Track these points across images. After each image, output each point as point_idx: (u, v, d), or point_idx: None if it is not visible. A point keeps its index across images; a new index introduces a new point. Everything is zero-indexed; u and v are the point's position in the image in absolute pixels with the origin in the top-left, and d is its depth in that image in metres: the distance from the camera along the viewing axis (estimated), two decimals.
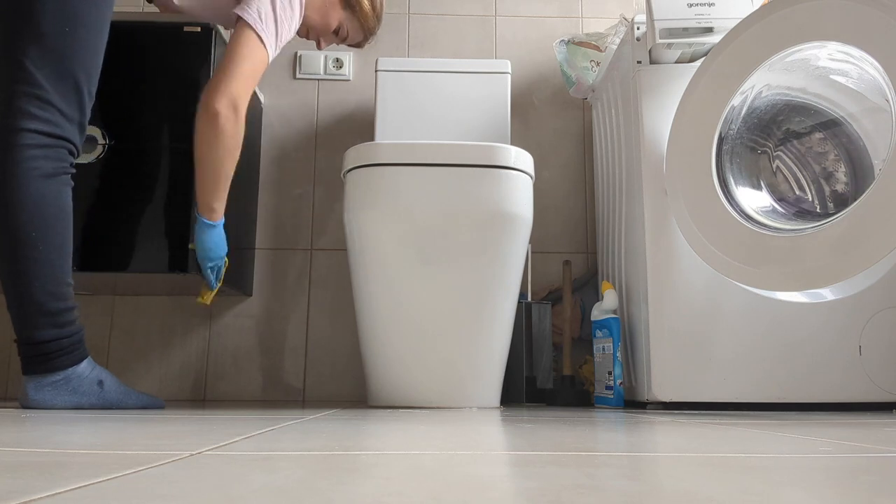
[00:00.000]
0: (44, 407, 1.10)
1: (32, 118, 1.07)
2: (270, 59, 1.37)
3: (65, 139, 1.11)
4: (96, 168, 1.48)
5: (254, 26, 1.33)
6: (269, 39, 1.35)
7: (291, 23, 1.40)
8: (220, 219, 1.39)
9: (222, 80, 1.30)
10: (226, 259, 1.43)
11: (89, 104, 1.15)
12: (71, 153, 1.13)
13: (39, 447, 0.56)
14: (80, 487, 0.36)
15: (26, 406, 1.11)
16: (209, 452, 0.53)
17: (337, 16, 1.54)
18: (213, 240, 1.38)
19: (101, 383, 1.15)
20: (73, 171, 1.14)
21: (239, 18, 1.34)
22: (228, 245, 1.43)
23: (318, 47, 1.60)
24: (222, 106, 1.29)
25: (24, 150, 1.06)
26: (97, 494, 0.35)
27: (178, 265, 1.45)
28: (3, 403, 1.34)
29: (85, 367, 1.14)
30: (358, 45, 1.65)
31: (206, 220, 1.36)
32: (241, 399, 1.85)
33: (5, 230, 1.06)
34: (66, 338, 1.11)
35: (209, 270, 1.40)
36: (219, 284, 1.43)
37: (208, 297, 1.45)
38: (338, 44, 1.64)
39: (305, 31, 1.55)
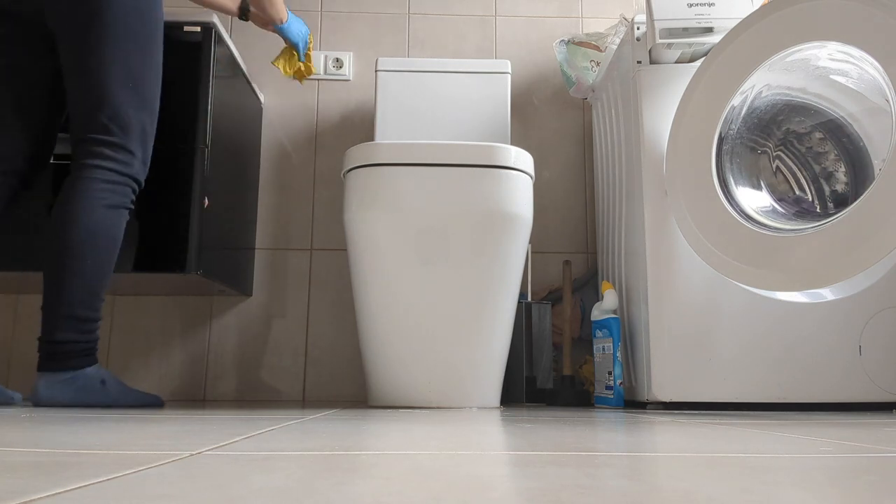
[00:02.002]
0: (52, 402, 1.19)
1: (106, 158, 1.23)
2: None
3: (132, 177, 1.25)
4: None
5: None
6: None
7: None
8: (284, 21, 1.65)
9: None
10: (308, 39, 1.74)
11: (152, 140, 1.30)
12: (134, 191, 1.27)
13: (39, 447, 0.56)
14: (80, 487, 0.36)
15: (36, 401, 1.19)
16: (209, 452, 0.53)
17: None
18: (290, 31, 1.67)
19: (103, 382, 1.23)
20: (133, 206, 1.28)
21: None
22: (304, 35, 1.72)
23: None
24: None
25: (96, 182, 1.21)
26: (97, 494, 0.35)
27: (177, 265, 1.46)
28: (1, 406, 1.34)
29: (92, 370, 1.23)
30: None
31: (278, 27, 1.66)
32: (241, 399, 1.85)
33: (63, 244, 1.19)
34: (83, 342, 1.21)
35: (303, 43, 1.71)
36: (305, 60, 1.75)
37: (287, 66, 1.75)
38: None
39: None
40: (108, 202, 1.21)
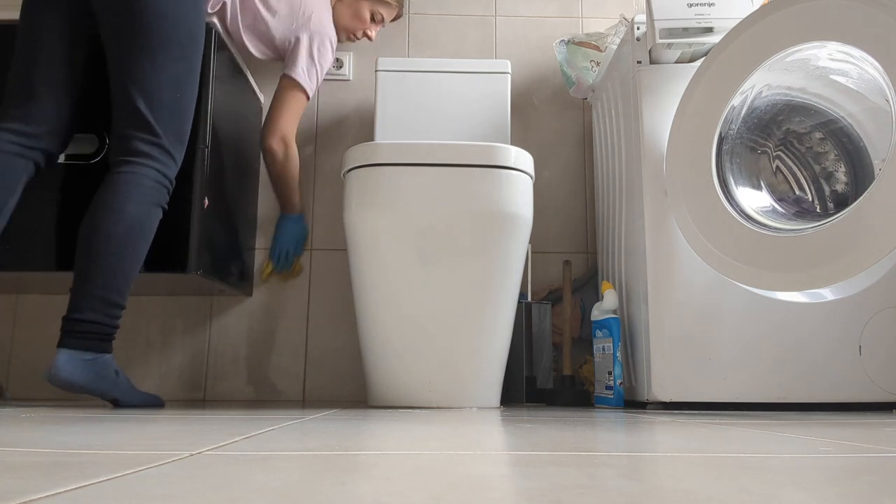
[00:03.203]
0: (69, 380, 1.20)
1: (151, 158, 1.29)
2: (311, 96, 1.78)
3: (169, 179, 1.32)
4: (98, 168, 1.47)
5: (300, 82, 1.73)
6: (311, 87, 1.75)
7: (328, 57, 1.77)
8: (293, 211, 1.86)
9: (274, 123, 1.74)
10: (295, 255, 1.89)
11: (185, 146, 1.36)
12: (169, 192, 1.33)
13: (39, 447, 0.56)
14: (80, 487, 0.36)
15: (54, 376, 1.20)
16: (209, 452, 0.53)
17: (365, 7, 1.86)
18: (285, 229, 1.87)
19: (117, 373, 1.27)
20: (167, 207, 1.33)
21: (286, 76, 1.73)
22: (296, 240, 1.89)
23: (370, 39, 1.92)
24: (275, 143, 1.74)
25: (144, 178, 1.27)
26: (97, 494, 0.35)
27: (177, 265, 1.45)
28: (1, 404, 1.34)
29: (109, 357, 1.27)
30: (398, 17, 1.96)
31: (284, 214, 1.87)
32: (241, 399, 1.85)
33: (108, 230, 1.23)
34: (107, 325, 1.24)
35: (277, 253, 1.87)
36: (292, 268, 1.91)
37: (265, 274, 1.91)
38: (382, 27, 1.95)
39: (348, 35, 1.89)
40: (152, 199, 1.28)
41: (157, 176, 1.29)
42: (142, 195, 1.26)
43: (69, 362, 1.20)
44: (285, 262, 1.88)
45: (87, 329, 1.21)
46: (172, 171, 1.32)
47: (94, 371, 1.22)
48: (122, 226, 1.23)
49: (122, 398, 1.26)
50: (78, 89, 1.35)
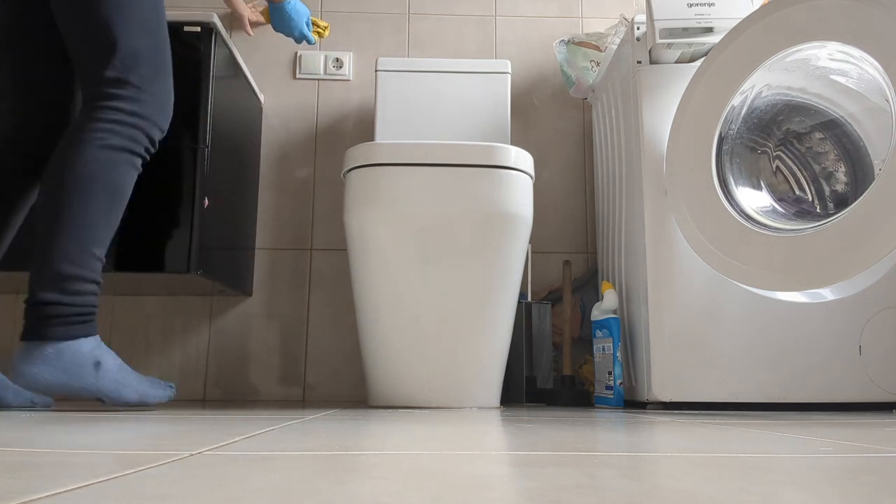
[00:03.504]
0: (30, 382, 1.00)
1: (109, 97, 1.08)
2: None
3: (143, 117, 1.10)
4: None
5: None
6: None
7: None
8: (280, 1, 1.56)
9: None
10: (312, 25, 1.69)
11: (167, 76, 1.15)
12: (149, 136, 1.11)
13: (39, 447, 0.56)
14: (80, 487, 0.36)
15: (14, 378, 1.01)
16: (209, 452, 0.53)
17: None
18: (284, 16, 1.58)
19: (97, 365, 1.04)
20: (145, 155, 1.12)
21: None
22: (302, 18, 1.66)
23: None
24: None
25: (94, 122, 1.06)
26: (97, 494, 0.35)
27: (178, 265, 1.45)
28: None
29: (83, 344, 1.03)
30: None
31: (272, 5, 1.56)
32: (240, 399, 1.85)
33: (49, 190, 1.04)
34: (66, 305, 1.02)
35: (300, 34, 1.62)
36: (322, 34, 1.77)
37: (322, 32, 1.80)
38: None
39: None
40: (106, 142, 1.05)
41: (117, 116, 1.07)
42: (92, 141, 1.05)
43: (24, 362, 0.99)
44: (308, 38, 1.65)
45: (43, 314, 1.00)
46: (149, 108, 1.10)
47: (58, 367, 1.00)
48: (65, 183, 1.03)
49: (107, 396, 1.05)
50: (49, 87, 1.19)
